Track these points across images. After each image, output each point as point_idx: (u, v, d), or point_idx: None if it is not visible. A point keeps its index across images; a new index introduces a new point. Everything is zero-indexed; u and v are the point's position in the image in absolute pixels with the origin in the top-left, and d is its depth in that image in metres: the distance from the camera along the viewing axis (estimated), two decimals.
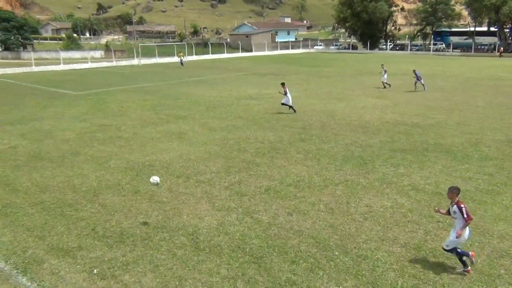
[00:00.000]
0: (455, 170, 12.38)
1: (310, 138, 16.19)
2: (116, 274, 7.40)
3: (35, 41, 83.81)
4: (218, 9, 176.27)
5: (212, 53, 71.34)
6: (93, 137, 16.88)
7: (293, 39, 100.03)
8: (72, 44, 78.75)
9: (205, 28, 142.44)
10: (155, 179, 9.74)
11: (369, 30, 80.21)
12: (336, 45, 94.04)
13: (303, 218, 9.43)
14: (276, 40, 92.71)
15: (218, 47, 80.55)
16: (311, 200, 10.37)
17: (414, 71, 28.35)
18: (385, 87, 29.60)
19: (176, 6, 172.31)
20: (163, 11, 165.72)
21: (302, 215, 9.58)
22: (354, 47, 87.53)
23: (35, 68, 49.30)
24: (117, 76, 41.29)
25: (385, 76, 29.74)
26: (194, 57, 66.40)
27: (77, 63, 55.23)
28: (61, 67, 51.60)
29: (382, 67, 30.48)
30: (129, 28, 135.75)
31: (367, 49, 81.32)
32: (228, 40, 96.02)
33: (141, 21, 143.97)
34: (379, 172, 12.32)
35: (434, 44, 76.20)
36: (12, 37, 66.88)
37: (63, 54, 61.42)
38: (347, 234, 8.69)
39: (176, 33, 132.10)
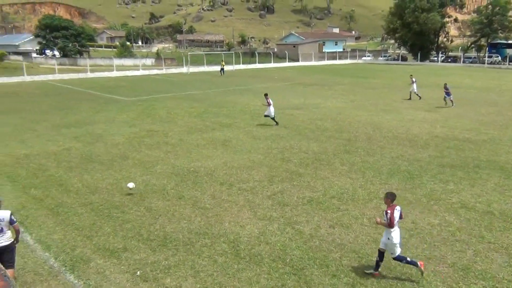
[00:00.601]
0: (509, 189, 11.77)
1: (355, 150, 15.93)
2: (158, 277, 7.56)
3: (91, 48, 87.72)
4: (266, 19, 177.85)
5: (258, 63, 71.93)
6: (141, 142, 17.40)
7: (341, 50, 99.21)
8: (125, 51, 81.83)
9: (252, 37, 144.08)
10: (130, 185, 11.38)
11: (419, 41, 78.09)
12: (384, 56, 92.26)
13: (346, 231, 9.26)
14: (324, 51, 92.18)
15: (265, 56, 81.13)
16: (355, 214, 10.17)
17: (445, 85, 26.90)
18: (410, 98, 29.41)
19: (225, 16, 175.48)
20: (213, 21, 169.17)
21: (345, 228, 9.41)
22: (404, 59, 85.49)
23: (90, 74, 51.59)
24: (166, 83, 42.45)
25: (414, 86, 29.39)
26: (241, 66, 67.20)
27: (129, 70, 57.30)
28: (114, 73, 53.70)
29: (411, 78, 29.97)
30: (179, 37, 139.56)
31: (417, 60, 79.17)
32: (275, 49, 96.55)
33: (191, 30, 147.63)
34: (426, 187, 11.92)
35: (489, 57, 73.16)
36: (70, 45, 70.37)
37: (116, 61, 63.91)
38: None
39: (224, 42, 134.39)
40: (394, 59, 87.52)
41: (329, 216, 10.08)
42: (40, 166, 14.14)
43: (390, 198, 7.35)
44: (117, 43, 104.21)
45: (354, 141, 17.46)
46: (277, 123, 20.67)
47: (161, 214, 10.24)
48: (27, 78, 45.76)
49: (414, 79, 29.66)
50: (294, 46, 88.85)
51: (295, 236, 9.09)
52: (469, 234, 9.09)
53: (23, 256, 8.28)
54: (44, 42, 70.39)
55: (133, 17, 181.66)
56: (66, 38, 69.23)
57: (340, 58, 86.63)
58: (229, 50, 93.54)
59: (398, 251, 7.39)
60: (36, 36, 73.24)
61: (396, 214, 7.23)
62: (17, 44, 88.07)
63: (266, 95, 21.08)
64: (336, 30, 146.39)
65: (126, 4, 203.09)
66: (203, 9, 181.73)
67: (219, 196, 11.39)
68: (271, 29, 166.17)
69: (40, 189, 11.97)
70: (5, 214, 7.03)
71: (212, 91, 35.55)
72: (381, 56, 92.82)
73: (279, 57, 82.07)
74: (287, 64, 74.48)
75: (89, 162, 14.53)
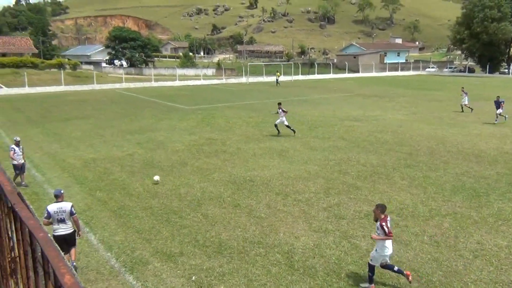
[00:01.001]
0: None
1: (416, 165, 15.35)
2: (213, 283, 7.66)
3: (155, 58, 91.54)
4: (326, 29, 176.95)
5: (317, 73, 71.58)
6: (200, 149, 17.83)
7: (403, 61, 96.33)
8: (187, 62, 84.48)
9: (312, 48, 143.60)
10: (156, 178, 12.99)
11: (489, 52, 74.11)
12: (450, 68, 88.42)
13: (405, 248, 8.92)
14: (385, 62, 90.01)
15: (324, 67, 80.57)
16: (414, 231, 9.78)
17: (497, 98, 24.51)
18: (462, 111, 28.63)
19: (285, 27, 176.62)
20: (273, 32, 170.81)
21: (404, 245, 9.07)
22: (471, 70, 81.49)
23: (154, 83, 53.76)
24: (226, 93, 43.30)
25: (466, 99, 28.59)
26: (300, 77, 67.16)
27: (190, 80, 59.13)
28: (177, 83, 55.62)
29: (462, 90, 29.30)
30: (239, 47, 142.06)
31: (485, 72, 75.16)
32: (335, 60, 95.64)
33: (251, 41, 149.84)
34: (494, 207, 11.23)
35: None
36: (137, 55, 73.87)
37: (179, 71, 66.12)
38: (453, 271, 8.02)
39: (283, 53, 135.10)
40: (460, 71, 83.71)
41: None
42: (105, 169, 14.87)
43: (380, 210, 7.45)
44: (180, 54, 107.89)
45: (416, 155, 16.83)
46: (278, 132, 20.71)
47: (217, 221, 10.40)
48: (96, 87, 48.47)
49: (465, 92, 28.93)
50: (354, 57, 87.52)
51: (351, 250, 8.88)
52: None
53: (87, 255, 8.72)
54: (113, 52, 74.41)
55: (196, 28, 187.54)
56: (133, 48, 72.74)
57: (402, 70, 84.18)
58: (288, 61, 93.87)
59: (377, 262, 7.42)
60: (106, 47, 77.65)
61: (389, 224, 7.35)
62: (89, 54, 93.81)
63: (279, 104, 21.02)
64: (399, 41, 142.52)
65: (190, 16, 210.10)
66: (263, 20, 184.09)
67: (275, 206, 11.39)
68: (331, 39, 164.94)
69: (104, 192, 12.58)
70: (67, 205, 8.02)
71: (271, 101, 35.77)
72: (447, 68, 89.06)
73: (339, 68, 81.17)
74: (346, 75, 73.51)
75: (150, 168, 15.08)
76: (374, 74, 77.69)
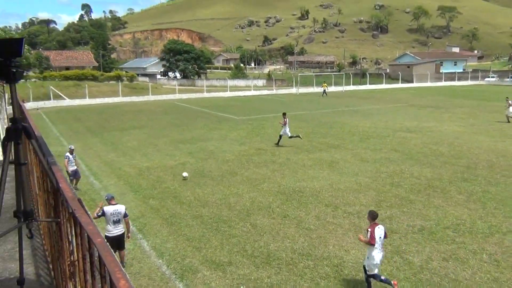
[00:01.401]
0: None
1: (474, 178, 14.63)
2: None
3: (208, 70, 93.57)
4: (379, 39, 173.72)
5: (369, 83, 70.30)
6: (249, 159, 17.96)
7: (461, 70, 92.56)
8: (238, 73, 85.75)
9: (364, 58, 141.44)
10: (185, 174, 14.07)
11: None
12: None
13: (462, 266, 8.51)
14: (441, 71, 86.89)
15: (377, 77, 78.96)
16: (472, 248, 9.31)
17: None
18: (509, 121, 27.84)
19: (336, 37, 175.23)
20: (324, 42, 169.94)
21: (461, 263, 8.65)
22: None
23: (206, 94, 54.98)
24: (276, 104, 43.46)
25: (511, 109, 28.02)
26: (351, 87, 66.24)
27: (241, 91, 59.89)
28: (228, 93, 56.54)
29: (507, 101, 28.61)
30: (290, 58, 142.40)
31: None
32: (388, 70, 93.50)
33: (302, 52, 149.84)
34: None
35: None
36: (190, 67, 75.91)
37: (230, 82, 67.19)
38: None
39: (334, 63, 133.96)
40: None
41: (442, 248, 9.35)
42: (158, 178, 15.33)
43: (370, 216, 7.76)
44: (232, 65, 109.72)
45: (474, 168, 16.06)
46: (277, 144, 20.83)
47: (266, 231, 10.40)
48: (151, 98, 50.24)
49: (510, 102, 28.23)
50: (408, 67, 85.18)
51: (404, 266, 8.59)
52: None
53: (139, 261, 8.99)
54: (167, 64, 76.89)
55: (247, 40, 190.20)
56: (187, 61, 74.81)
57: (459, 79, 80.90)
58: (339, 71, 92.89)
59: (375, 270, 7.57)
60: (161, 59, 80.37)
61: (378, 232, 7.46)
62: (145, 67, 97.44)
63: (284, 114, 21.18)
64: (456, 50, 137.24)
65: (242, 28, 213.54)
66: (315, 30, 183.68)
67: (324, 217, 11.25)
68: (384, 49, 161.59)
69: (157, 200, 12.96)
70: (122, 208, 8.60)
71: (320, 111, 35.51)
72: (509, 77, 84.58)
73: (392, 78, 79.28)
74: (400, 85, 71.66)
75: (201, 177, 15.37)
76: (429, 84, 75.17)
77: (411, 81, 76.46)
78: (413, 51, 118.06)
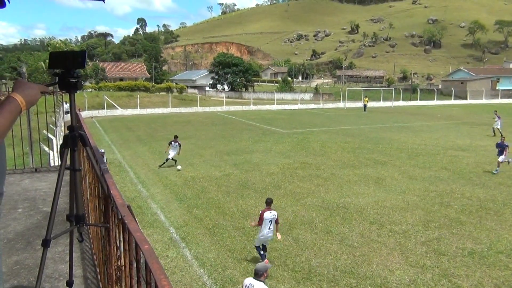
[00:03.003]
0: None
1: None
2: None
3: (255, 83, 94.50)
4: (431, 54, 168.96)
5: (420, 99, 68.40)
6: (294, 173, 17.90)
7: None
8: (285, 86, 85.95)
9: (415, 73, 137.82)
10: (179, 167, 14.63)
11: None
12: None
13: None
14: (497, 88, 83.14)
15: (428, 93, 76.75)
16: None
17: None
18: (494, 134, 28.81)
19: (387, 52, 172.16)
20: (373, 57, 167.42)
21: None
22: None
23: (253, 107, 55.49)
24: (322, 118, 43.18)
25: (498, 123, 29.52)
26: (401, 103, 64.74)
27: (288, 104, 60.01)
28: (274, 107, 56.81)
29: (495, 114, 30.34)
30: (338, 72, 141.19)
31: None
32: (440, 86, 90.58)
33: (350, 66, 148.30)
34: None
35: None
36: (238, 79, 77.02)
37: (277, 96, 67.54)
38: None
39: (384, 78, 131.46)
40: None
41: (494, 273, 8.88)
42: (203, 188, 15.58)
43: (267, 202, 9.55)
44: (279, 79, 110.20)
45: None
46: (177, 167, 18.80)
47: (308, 246, 10.30)
48: (199, 109, 51.36)
49: (498, 115, 29.95)
50: (462, 83, 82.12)
51: None
52: None
53: (181, 270, 9.15)
54: (216, 77, 78.42)
55: (296, 53, 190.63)
56: (235, 73, 75.99)
57: None
58: (388, 86, 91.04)
59: (258, 244, 9.38)
60: (210, 72, 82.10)
61: (268, 215, 9.17)
62: (194, 79, 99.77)
63: (176, 137, 19.57)
64: None
65: (291, 42, 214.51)
66: (364, 45, 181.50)
67: (368, 235, 11.00)
68: (437, 64, 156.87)
69: (201, 210, 13.17)
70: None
71: (368, 126, 34.90)
72: None
73: (444, 94, 76.74)
74: (452, 101, 69.27)
75: (245, 189, 15.48)
76: (484, 101, 72.13)
77: (465, 98, 73.69)
78: (467, 67, 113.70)
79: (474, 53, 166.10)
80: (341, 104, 60.53)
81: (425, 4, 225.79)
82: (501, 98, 74.98)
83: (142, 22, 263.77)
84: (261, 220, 9.17)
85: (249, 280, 6.55)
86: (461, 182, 16.45)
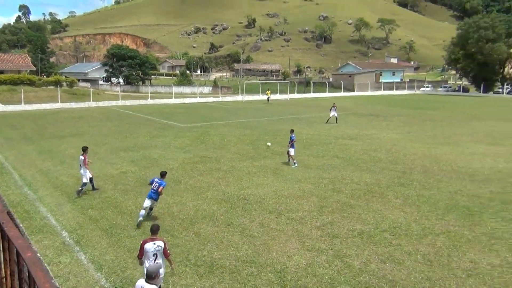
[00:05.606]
0: None
1: (410, 183, 15.36)
2: None
3: (153, 76, 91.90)
4: (323, 49, 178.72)
5: (313, 92, 72.05)
6: (194, 167, 17.78)
7: (399, 80, 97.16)
8: (184, 80, 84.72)
9: (308, 67, 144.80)
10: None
11: (483, 72, 75.05)
12: (445, 87, 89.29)
13: (398, 267, 8.87)
14: (380, 81, 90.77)
15: (320, 86, 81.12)
16: (408, 249, 9.74)
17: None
18: (337, 122, 32.50)
19: (282, 46, 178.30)
20: (270, 51, 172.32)
21: (397, 264, 9.02)
22: (465, 90, 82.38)
23: (150, 101, 53.92)
24: (221, 111, 43.45)
25: (335, 113, 32.86)
26: (296, 95, 67.59)
27: (187, 98, 59.33)
28: (173, 100, 55.80)
29: (334, 105, 33.80)
30: (236, 66, 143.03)
31: (480, 92, 76.04)
32: (331, 79, 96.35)
33: (248, 60, 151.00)
34: (487, 225, 11.22)
35: None
36: (134, 73, 74.14)
37: (175, 89, 66.38)
38: None
39: (280, 71, 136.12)
40: (455, 90, 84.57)
41: (380, 250, 9.71)
42: (98, 187, 14.77)
43: (151, 230, 7.57)
44: (177, 72, 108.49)
45: (409, 173, 16.86)
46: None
47: (210, 240, 10.32)
48: (92, 104, 48.56)
49: (335, 106, 33.39)
50: (350, 76, 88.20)
51: (344, 269, 8.82)
52: None
53: (76, 275, 8.60)
54: (110, 70, 74.68)
55: (194, 47, 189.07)
56: (131, 66, 72.99)
57: (397, 89, 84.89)
58: (284, 79, 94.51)
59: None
60: (104, 64, 77.91)
61: (149, 247, 7.21)
62: (86, 72, 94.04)
63: (85, 148, 14.61)
64: (394, 60, 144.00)
65: (188, 34, 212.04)
66: (261, 39, 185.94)
67: (268, 224, 11.33)
68: (328, 59, 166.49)
69: (96, 210, 12.49)
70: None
71: (266, 119, 35.91)
72: (441, 87, 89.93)
73: (335, 87, 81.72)
74: (342, 94, 74.03)
75: (144, 186, 14.99)
76: (369, 93, 78.26)
77: (353, 90, 79.23)
78: (354, 61, 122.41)
79: (360, 48, 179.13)
80: (239, 98, 61.44)
81: (316, 1, 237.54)
82: (383, 90, 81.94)
83: (24, 9, 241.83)
84: (141, 253, 7.29)
85: (141, 283, 6.08)
86: (350, 168, 17.68)
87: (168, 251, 7.52)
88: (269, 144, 21.42)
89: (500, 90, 78.36)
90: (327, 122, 32.73)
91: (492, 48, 71.22)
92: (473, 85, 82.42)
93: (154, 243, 7.28)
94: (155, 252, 7.25)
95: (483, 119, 36.53)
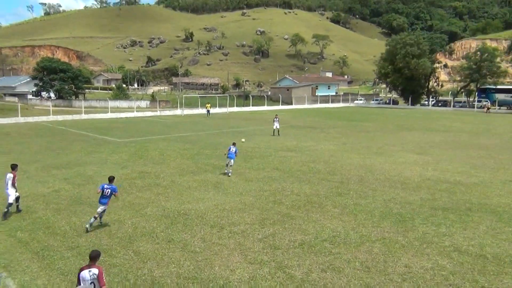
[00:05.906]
0: (501, 232, 11.71)
1: (347, 193, 15.88)
2: None
3: (86, 90, 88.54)
4: (260, 63, 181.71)
5: (252, 105, 72.84)
6: (132, 183, 17.25)
7: (334, 93, 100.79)
8: (120, 94, 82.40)
9: (247, 81, 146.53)
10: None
11: (410, 85, 79.92)
12: (376, 100, 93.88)
13: (338, 275, 9.08)
14: (317, 94, 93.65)
15: (259, 99, 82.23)
16: (347, 257, 10.01)
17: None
18: (279, 134, 33.36)
19: (220, 60, 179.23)
20: (208, 64, 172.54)
21: (337, 272, 9.23)
22: (395, 102, 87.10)
23: (84, 116, 51.84)
24: (160, 125, 42.68)
25: (277, 124, 33.88)
26: (235, 109, 67.96)
27: (123, 112, 57.72)
28: (109, 115, 54.05)
29: (276, 116, 34.71)
30: (175, 79, 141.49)
31: (408, 104, 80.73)
32: (269, 93, 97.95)
33: (186, 73, 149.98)
34: (419, 230, 11.82)
35: (479, 101, 74.52)
36: (67, 87, 71.03)
37: (111, 103, 64.43)
38: None
39: (219, 85, 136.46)
40: (385, 103, 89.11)
41: (320, 259, 9.91)
42: (28, 208, 13.91)
43: (90, 256, 7.07)
44: (113, 86, 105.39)
45: (346, 183, 17.44)
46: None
47: (150, 258, 10.02)
48: (21, 119, 45.86)
49: (277, 118, 34.34)
50: (287, 90, 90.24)
51: (286, 280, 8.89)
52: (462, 278, 8.95)
53: None
54: (40, 84, 71.06)
55: (130, 60, 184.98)
56: (63, 80, 69.91)
57: (333, 102, 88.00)
58: (223, 93, 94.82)
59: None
60: (33, 78, 73.98)
61: (85, 275, 6.81)
62: (13, 86, 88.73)
63: (15, 166, 13.75)
64: (329, 75, 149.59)
65: (124, 48, 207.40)
66: (199, 53, 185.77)
67: (210, 239, 11.20)
68: (266, 72, 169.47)
69: (26, 232, 11.73)
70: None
71: (206, 133, 35.74)
72: (373, 100, 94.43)
73: (273, 100, 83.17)
74: (280, 107, 75.44)
75: (78, 204, 14.33)
76: (306, 106, 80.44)
77: (291, 103, 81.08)
78: (291, 75, 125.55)
79: (296, 62, 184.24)
80: (178, 111, 60.73)
81: (253, 16, 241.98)
82: (320, 103, 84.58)
83: None
84: (78, 282, 6.88)
85: None
86: (290, 180, 17.98)
87: (104, 279, 6.92)
88: (243, 140, 24.63)
89: (426, 102, 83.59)
90: (273, 135, 33.32)
91: (418, 63, 75.97)
92: (402, 98, 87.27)
93: (90, 271, 6.85)
94: (91, 281, 6.78)
95: (412, 130, 38.71)
